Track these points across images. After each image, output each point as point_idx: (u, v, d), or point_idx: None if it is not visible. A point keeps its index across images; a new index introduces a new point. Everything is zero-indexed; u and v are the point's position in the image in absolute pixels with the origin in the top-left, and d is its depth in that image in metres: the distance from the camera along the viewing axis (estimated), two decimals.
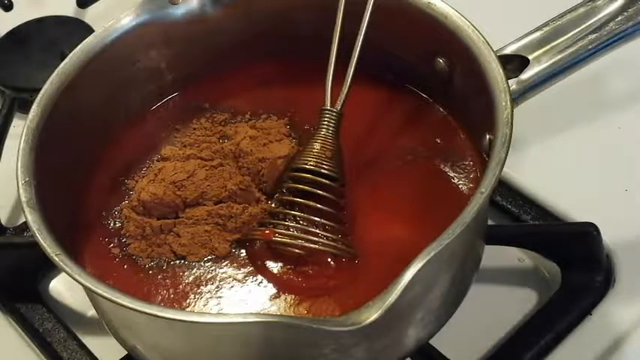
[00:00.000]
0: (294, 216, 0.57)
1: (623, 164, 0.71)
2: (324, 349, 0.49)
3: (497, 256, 0.65)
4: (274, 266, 0.57)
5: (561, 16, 0.60)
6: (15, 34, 0.88)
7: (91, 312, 0.67)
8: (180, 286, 0.56)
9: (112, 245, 0.59)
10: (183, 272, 0.57)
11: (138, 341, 0.56)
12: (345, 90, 0.59)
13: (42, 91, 0.58)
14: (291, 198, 0.57)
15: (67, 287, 0.69)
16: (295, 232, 0.56)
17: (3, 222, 0.73)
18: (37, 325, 0.65)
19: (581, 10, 0.60)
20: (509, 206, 0.69)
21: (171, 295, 0.56)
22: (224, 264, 0.57)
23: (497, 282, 0.66)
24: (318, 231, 0.56)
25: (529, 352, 0.60)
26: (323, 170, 0.57)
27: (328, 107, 0.59)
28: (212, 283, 0.56)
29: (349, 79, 0.58)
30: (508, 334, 0.62)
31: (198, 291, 0.56)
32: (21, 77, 0.83)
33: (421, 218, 0.58)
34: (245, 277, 0.56)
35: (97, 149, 0.63)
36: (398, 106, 0.65)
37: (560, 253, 0.65)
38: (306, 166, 0.57)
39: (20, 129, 0.56)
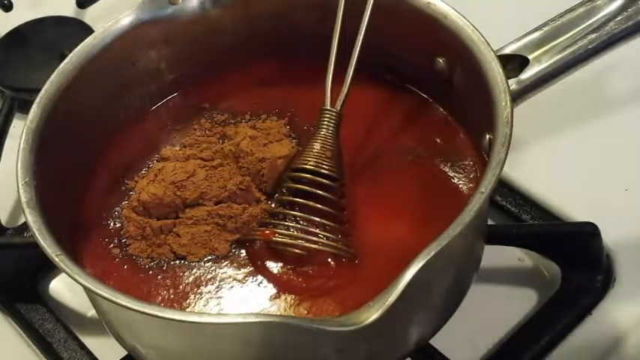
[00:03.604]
0: (294, 216, 0.57)
1: (623, 164, 0.71)
2: (324, 349, 0.50)
3: (497, 256, 0.65)
4: (274, 266, 0.56)
5: (561, 16, 0.60)
6: (15, 34, 0.88)
7: (91, 312, 0.67)
8: (181, 287, 0.56)
9: (112, 246, 0.59)
10: (184, 272, 0.57)
11: (138, 341, 0.56)
12: (345, 90, 0.58)
13: (42, 91, 0.58)
14: (291, 198, 0.57)
15: (67, 287, 0.69)
16: (295, 232, 0.56)
17: (3, 222, 0.73)
18: (37, 326, 0.65)
19: (581, 9, 0.60)
20: (509, 206, 0.69)
21: (172, 296, 0.56)
22: (224, 264, 0.57)
23: (497, 282, 0.66)
24: (318, 231, 0.56)
25: (529, 352, 0.60)
26: (323, 170, 0.57)
27: (328, 107, 0.59)
28: (212, 284, 0.56)
29: (349, 79, 0.58)
30: (508, 334, 0.62)
31: (198, 291, 0.56)
32: (21, 77, 0.83)
33: (421, 218, 0.58)
34: (245, 277, 0.56)
35: (97, 149, 0.63)
36: (398, 106, 0.65)
37: (560, 253, 0.65)
38: (306, 166, 0.57)
39: (20, 129, 0.56)
